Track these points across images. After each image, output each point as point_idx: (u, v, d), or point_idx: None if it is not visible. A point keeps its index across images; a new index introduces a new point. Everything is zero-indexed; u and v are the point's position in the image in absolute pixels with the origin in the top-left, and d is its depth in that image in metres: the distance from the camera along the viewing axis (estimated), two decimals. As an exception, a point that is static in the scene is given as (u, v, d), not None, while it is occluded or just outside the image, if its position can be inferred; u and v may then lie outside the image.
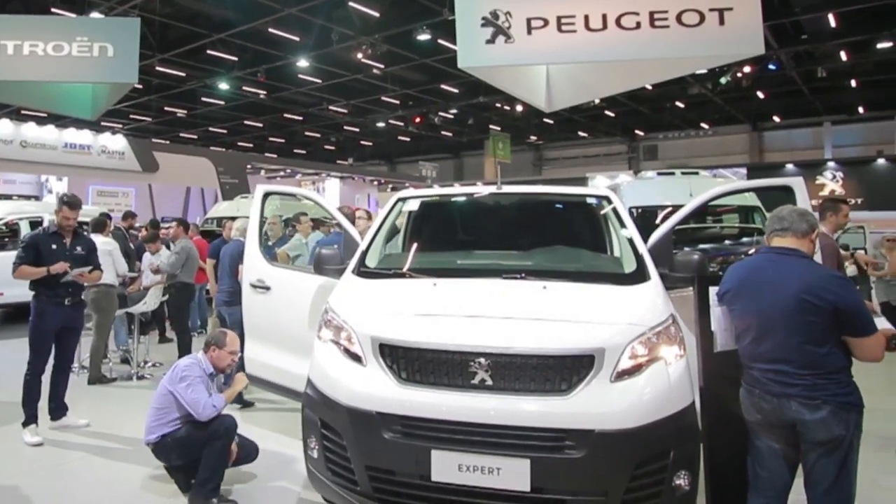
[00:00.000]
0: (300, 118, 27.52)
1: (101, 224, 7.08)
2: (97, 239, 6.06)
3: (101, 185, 23.47)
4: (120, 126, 26.80)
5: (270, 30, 16.36)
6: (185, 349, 6.87)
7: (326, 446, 3.10)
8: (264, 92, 22.49)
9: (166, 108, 24.76)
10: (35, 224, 9.31)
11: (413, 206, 4.63)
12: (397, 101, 24.46)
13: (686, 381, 2.98)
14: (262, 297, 4.75)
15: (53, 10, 13.16)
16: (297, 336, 4.31)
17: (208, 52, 18.00)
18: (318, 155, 35.97)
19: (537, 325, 3.03)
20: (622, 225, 4.08)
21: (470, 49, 6.32)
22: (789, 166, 25.64)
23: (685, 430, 2.87)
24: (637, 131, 31.50)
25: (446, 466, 2.79)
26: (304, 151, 36.10)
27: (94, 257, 5.23)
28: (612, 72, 7.12)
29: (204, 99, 23.71)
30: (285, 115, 26.65)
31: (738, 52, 6.38)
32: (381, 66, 19.20)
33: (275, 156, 32.53)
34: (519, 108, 23.53)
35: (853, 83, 21.63)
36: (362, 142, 34.21)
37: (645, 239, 3.88)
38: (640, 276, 3.54)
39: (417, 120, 26.33)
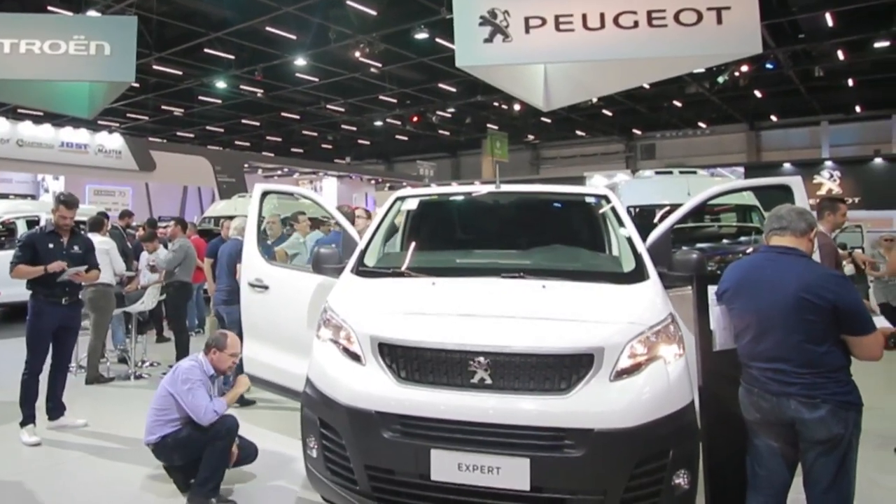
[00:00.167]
0: (297, 117, 27.44)
1: (98, 223, 7.07)
2: (94, 238, 6.04)
3: (98, 184, 23.46)
4: (117, 125, 26.68)
5: (268, 28, 16.31)
6: (182, 348, 6.88)
7: (326, 446, 3.10)
8: (261, 91, 22.40)
9: (163, 107, 24.64)
10: (32, 223, 9.28)
11: (412, 205, 4.63)
12: (395, 100, 24.40)
13: (685, 380, 2.98)
14: (261, 296, 4.74)
15: (50, 8, 13.08)
16: (296, 335, 4.30)
17: (205, 50, 17.92)
18: (316, 154, 35.89)
19: (536, 324, 3.03)
20: (621, 224, 4.08)
21: (468, 48, 6.32)
22: (787, 165, 25.70)
23: (684, 429, 2.88)
24: (634, 130, 31.51)
25: (446, 466, 2.79)
26: (301, 150, 35.99)
27: (91, 256, 5.21)
28: (610, 71, 7.14)
29: (201, 98, 23.62)
30: (283, 113, 26.56)
31: (735, 52, 6.41)
32: (379, 65, 19.17)
33: (272, 155, 32.44)
34: (516, 107, 23.48)
35: (850, 82, 21.65)
36: (360, 141, 34.15)
37: (643, 238, 3.89)
38: (638, 275, 3.54)
39: (415, 119, 26.27)
